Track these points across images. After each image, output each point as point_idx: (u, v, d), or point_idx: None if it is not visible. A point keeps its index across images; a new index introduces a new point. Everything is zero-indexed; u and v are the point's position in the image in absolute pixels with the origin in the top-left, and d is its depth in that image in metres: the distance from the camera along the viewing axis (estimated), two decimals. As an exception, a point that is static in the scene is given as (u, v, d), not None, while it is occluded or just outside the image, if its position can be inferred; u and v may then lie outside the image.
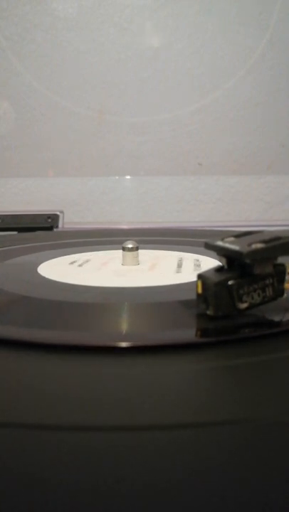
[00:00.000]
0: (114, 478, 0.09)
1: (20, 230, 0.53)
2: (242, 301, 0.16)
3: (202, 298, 0.17)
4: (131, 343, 0.15)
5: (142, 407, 0.12)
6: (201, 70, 0.60)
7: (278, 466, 0.09)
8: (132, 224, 0.56)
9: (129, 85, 0.60)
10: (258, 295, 0.17)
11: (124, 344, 0.15)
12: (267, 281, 0.17)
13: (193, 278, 0.17)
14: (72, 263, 0.28)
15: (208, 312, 0.16)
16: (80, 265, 0.27)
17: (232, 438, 0.10)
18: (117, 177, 0.61)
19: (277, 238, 0.17)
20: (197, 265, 0.26)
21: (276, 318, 0.18)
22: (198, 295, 0.17)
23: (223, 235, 0.18)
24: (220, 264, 0.18)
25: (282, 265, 0.17)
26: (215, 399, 0.12)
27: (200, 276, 0.17)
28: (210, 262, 0.26)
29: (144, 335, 0.17)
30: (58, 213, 0.55)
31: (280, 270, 0.17)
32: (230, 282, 0.16)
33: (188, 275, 0.23)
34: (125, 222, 0.58)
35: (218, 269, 0.17)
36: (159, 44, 0.59)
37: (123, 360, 0.14)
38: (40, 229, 0.53)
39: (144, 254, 0.29)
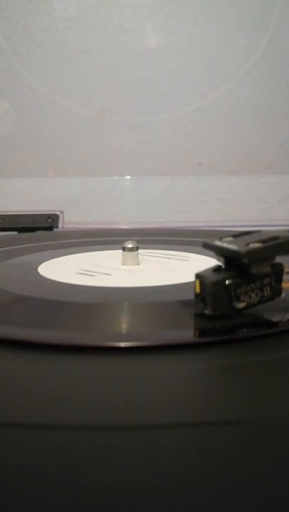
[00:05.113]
0: (113, 478, 0.09)
1: (20, 230, 0.53)
2: (240, 301, 0.16)
3: (200, 297, 0.17)
4: (130, 343, 0.15)
5: (140, 406, 0.12)
6: (201, 70, 0.60)
7: (278, 466, 0.09)
8: (132, 224, 0.56)
9: (129, 85, 0.60)
10: (256, 295, 0.17)
11: (123, 344, 0.15)
12: (265, 281, 0.17)
13: (192, 278, 0.17)
14: (72, 263, 0.28)
15: (207, 312, 0.17)
16: (79, 265, 0.27)
17: (231, 438, 0.10)
18: (117, 177, 0.61)
19: (275, 238, 0.17)
20: (196, 265, 0.26)
21: (274, 318, 0.18)
22: (196, 295, 0.17)
23: (222, 234, 0.19)
24: (218, 263, 0.18)
25: (280, 265, 0.17)
26: (213, 399, 0.12)
27: (198, 276, 0.17)
28: (209, 262, 0.26)
29: (143, 335, 0.17)
30: (58, 213, 0.55)
31: (277, 270, 0.17)
32: (227, 282, 0.16)
33: (188, 275, 0.23)
34: (125, 222, 0.58)
35: (216, 269, 0.17)
36: (159, 44, 0.59)
37: (122, 360, 0.14)
38: (40, 229, 0.53)
39: (144, 254, 0.29)
